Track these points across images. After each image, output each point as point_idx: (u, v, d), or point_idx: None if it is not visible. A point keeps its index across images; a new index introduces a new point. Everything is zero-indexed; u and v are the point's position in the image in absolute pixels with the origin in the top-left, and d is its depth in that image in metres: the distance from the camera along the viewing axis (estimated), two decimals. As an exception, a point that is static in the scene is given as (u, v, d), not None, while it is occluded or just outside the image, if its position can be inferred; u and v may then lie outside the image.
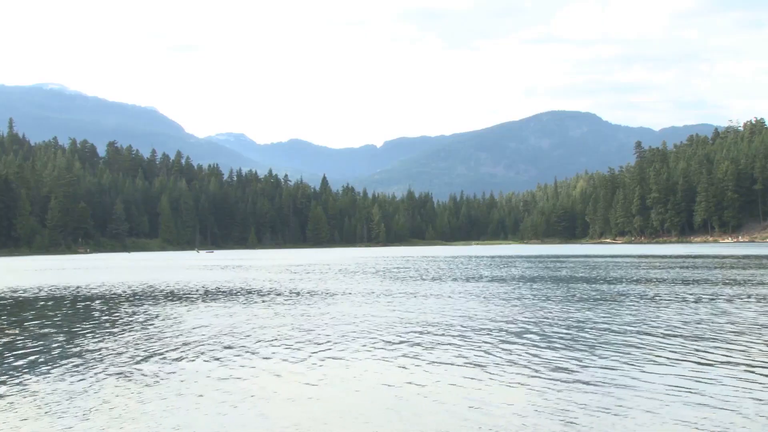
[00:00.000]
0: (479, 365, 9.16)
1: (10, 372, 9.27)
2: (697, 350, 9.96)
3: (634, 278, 26.52)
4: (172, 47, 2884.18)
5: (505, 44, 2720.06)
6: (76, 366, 9.59)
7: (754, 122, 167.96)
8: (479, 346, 10.63)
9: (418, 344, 10.96)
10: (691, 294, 18.75)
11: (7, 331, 13.42)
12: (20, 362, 10.00)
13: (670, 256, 54.26)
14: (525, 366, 9.07)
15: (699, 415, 6.62)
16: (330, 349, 10.73)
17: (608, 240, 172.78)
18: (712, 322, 12.84)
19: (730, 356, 9.47)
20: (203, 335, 12.40)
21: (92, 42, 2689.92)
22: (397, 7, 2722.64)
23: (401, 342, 11.24)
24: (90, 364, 9.69)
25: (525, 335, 11.71)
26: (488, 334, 11.94)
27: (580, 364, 9.14)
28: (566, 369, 8.83)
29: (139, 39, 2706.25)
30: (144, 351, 10.77)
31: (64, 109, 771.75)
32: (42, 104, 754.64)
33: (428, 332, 12.27)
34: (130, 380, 8.61)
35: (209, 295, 21.85)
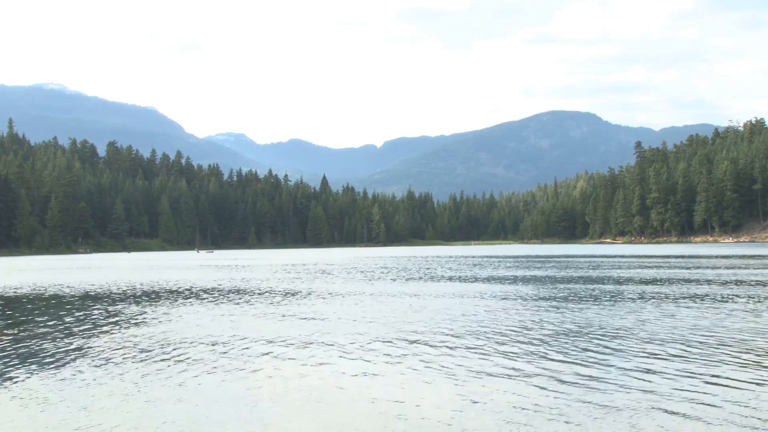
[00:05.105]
0: (464, 366, 9.19)
1: (10, 372, 9.30)
2: (695, 351, 9.98)
3: (633, 278, 26.54)
4: (172, 47, 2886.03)
5: (504, 44, 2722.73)
6: (76, 365, 9.62)
7: (754, 122, 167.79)
8: (465, 348, 10.65)
9: (403, 346, 10.98)
10: (690, 294, 18.77)
11: (6, 331, 13.44)
12: (20, 362, 10.03)
13: (671, 256, 54.29)
14: (516, 368, 9.08)
15: (697, 416, 6.65)
16: (319, 350, 10.76)
17: (608, 240, 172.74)
18: (712, 323, 12.87)
19: (730, 357, 9.49)
20: (202, 335, 12.42)
21: (92, 42, 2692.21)
22: (397, 8, 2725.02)
23: (381, 343, 11.26)
24: (89, 364, 9.72)
25: (516, 336, 11.73)
26: (468, 335, 11.96)
27: (573, 365, 9.17)
28: (562, 371, 8.85)
29: (139, 39, 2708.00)
30: (142, 350, 10.80)
31: (64, 109, 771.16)
32: (42, 104, 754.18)
33: (413, 334, 12.29)
34: (129, 380, 8.64)
35: (208, 294, 21.88)
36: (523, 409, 6.94)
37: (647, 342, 10.70)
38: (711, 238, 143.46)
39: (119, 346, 11.27)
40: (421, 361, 9.52)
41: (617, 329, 12.14)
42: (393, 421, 6.66)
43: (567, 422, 6.46)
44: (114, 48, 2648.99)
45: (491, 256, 64.03)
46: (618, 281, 24.91)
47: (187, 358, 10.06)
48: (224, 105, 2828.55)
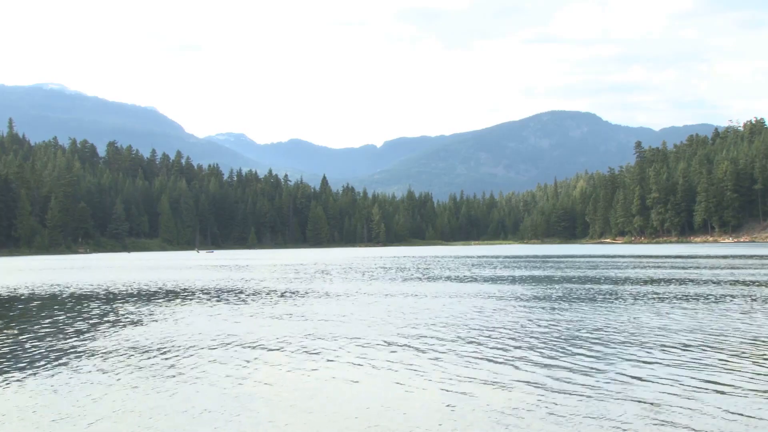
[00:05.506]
0: (456, 368, 9.21)
1: (9, 372, 9.33)
2: (688, 353, 10.01)
3: (631, 279, 26.55)
4: (172, 47, 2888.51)
5: (504, 44, 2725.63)
6: (70, 365, 9.65)
7: (754, 122, 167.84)
8: (458, 350, 10.67)
9: (397, 347, 11.00)
10: (686, 295, 18.79)
11: (6, 331, 13.47)
12: (19, 362, 10.05)
13: (670, 257, 54.30)
14: (508, 370, 9.10)
15: (686, 424, 6.67)
16: (314, 349, 10.78)
17: (608, 240, 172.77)
18: (707, 324, 12.89)
19: (723, 361, 9.51)
20: (197, 335, 12.44)
21: (92, 42, 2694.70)
22: (397, 8, 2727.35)
23: (375, 344, 11.28)
24: (83, 364, 9.74)
25: (510, 338, 11.75)
26: (462, 337, 11.98)
27: (566, 368, 9.19)
28: (554, 375, 8.87)
29: (139, 39, 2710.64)
30: (136, 350, 10.82)
31: (64, 109, 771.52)
32: (42, 104, 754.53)
33: (407, 335, 12.31)
34: (122, 379, 8.67)
35: (205, 295, 21.90)
36: (512, 412, 6.96)
37: (641, 345, 10.72)
38: (711, 238, 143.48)
39: (114, 346, 11.29)
40: (413, 362, 9.54)
41: (612, 331, 12.17)
42: (384, 422, 6.69)
43: (556, 425, 6.48)
44: (114, 48, 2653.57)
45: (491, 256, 64.06)
46: (615, 281, 24.93)
47: (181, 358, 10.09)
48: (224, 105, 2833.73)
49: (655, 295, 18.58)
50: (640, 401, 7.13)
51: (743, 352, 9.75)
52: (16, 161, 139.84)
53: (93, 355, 10.44)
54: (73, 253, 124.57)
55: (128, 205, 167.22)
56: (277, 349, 10.77)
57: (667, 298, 17.64)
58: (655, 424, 6.35)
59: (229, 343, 11.41)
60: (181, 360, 9.96)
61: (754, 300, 16.83)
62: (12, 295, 23.15)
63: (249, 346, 11.08)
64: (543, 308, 15.90)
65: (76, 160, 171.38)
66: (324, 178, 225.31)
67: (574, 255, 64.59)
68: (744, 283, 22.73)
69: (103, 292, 23.63)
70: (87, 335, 12.69)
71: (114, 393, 7.95)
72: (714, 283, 22.93)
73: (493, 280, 27.26)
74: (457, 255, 73.84)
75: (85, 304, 19.09)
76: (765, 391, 7.47)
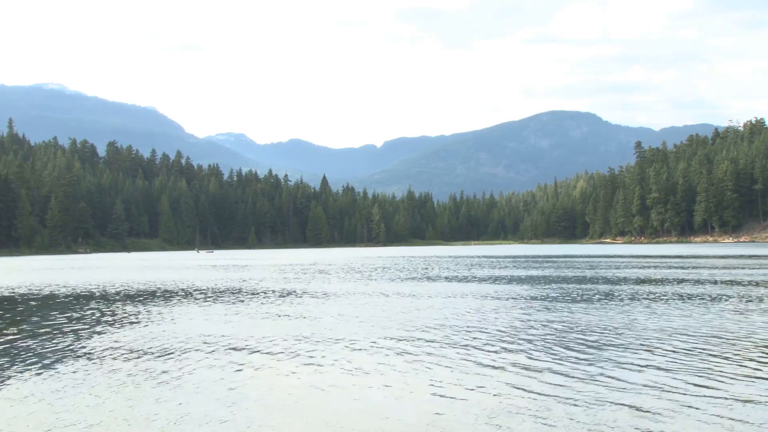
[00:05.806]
0: (451, 368, 9.21)
1: (8, 372, 9.34)
2: (683, 355, 10.01)
3: (629, 279, 26.56)
4: (172, 47, 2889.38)
5: (504, 44, 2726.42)
6: (65, 365, 9.65)
7: (754, 122, 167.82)
8: (453, 350, 10.68)
9: (391, 347, 11.01)
10: (684, 295, 18.79)
11: (6, 331, 13.48)
12: (14, 363, 10.06)
13: (669, 257, 54.30)
14: (500, 371, 9.11)
15: (689, 420, 6.68)
16: (313, 350, 10.80)
17: (608, 240, 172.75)
18: (705, 325, 12.89)
19: (722, 362, 9.52)
20: (194, 334, 12.45)
21: (92, 42, 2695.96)
22: (397, 8, 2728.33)
23: (370, 344, 11.29)
24: (78, 363, 9.75)
25: (506, 338, 11.76)
26: (457, 337, 11.99)
27: (560, 370, 9.20)
28: (549, 376, 8.88)
29: (139, 39, 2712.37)
30: (132, 350, 10.83)
31: (64, 109, 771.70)
32: (42, 104, 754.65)
33: (403, 335, 12.31)
34: (116, 378, 8.67)
35: (204, 294, 21.90)
36: (502, 416, 6.97)
37: (636, 348, 10.73)
38: (711, 238, 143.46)
39: (109, 346, 11.30)
40: (407, 365, 9.54)
41: (607, 333, 12.17)
42: (377, 421, 6.70)
43: (548, 425, 6.49)
44: (114, 48, 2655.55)
45: (490, 256, 64.05)
46: (614, 281, 24.94)
47: (176, 358, 10.09)
48: (224, 105, 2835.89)
49: (652, 296, 18.58)
50: (631, 406, 7.13)
51: (738, 355, 9.76)
52: (16, 161, 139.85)
53: (89, 356, 10.45)
54: (73, 253, 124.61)
55: (128, 205, 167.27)
56: (271, 351, 10.77)
57: (664, 299, 17.64)
58: (648, 429, 6.36)
59: (224, 345, 11.42)
60: (177, 361, 9.97)
61: (751, 301, 16.83)
62: (11, 295, 23.16)
63: (244, 348, 11.09)
64: (539, 309, 15.90)
65: (76, 160, 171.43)
66: (324, 178, 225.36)
67: (574, 255, 64.59)
68: (741, 283, 22.74)
69: (101, 293, 23.64)
70: (84, 336, 12.70)
71: (107, 395, 7.95)
72: (712, 283, 22.94)
73: (491, 280, 27.27)
74: (457, 255, 73.85)
75: (83, 305, 19.09)
76: (759, 395, 7.48)
